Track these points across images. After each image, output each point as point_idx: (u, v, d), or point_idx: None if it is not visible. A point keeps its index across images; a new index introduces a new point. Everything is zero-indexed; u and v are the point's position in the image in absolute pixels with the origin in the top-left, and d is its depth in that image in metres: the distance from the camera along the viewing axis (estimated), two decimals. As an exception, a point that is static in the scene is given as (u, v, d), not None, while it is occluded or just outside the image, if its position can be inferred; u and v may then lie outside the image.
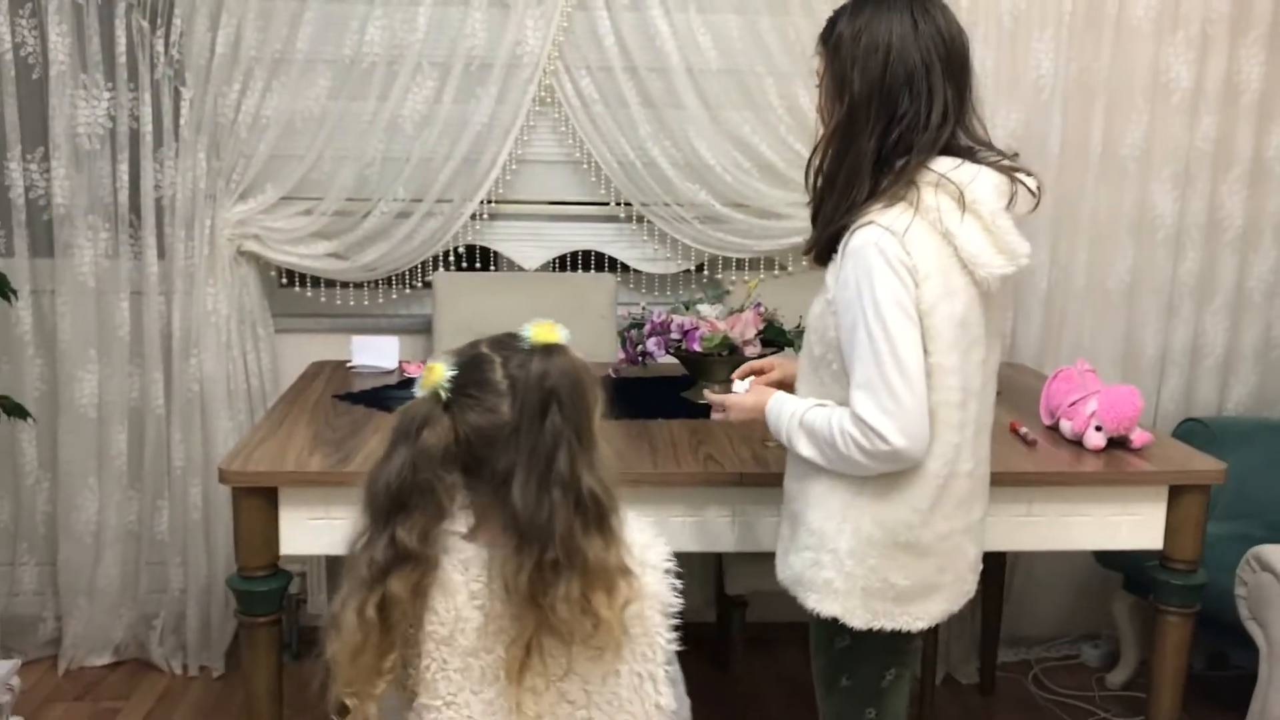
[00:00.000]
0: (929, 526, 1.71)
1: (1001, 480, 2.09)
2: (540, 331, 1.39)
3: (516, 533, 1.34)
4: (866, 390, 1.62)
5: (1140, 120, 3.06)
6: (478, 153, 2.99)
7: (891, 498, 1.69)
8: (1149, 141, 3.08)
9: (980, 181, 1.66)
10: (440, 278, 3.10)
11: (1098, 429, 2.21)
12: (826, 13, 2.85)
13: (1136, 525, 2.18)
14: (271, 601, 2.08)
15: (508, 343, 1.40)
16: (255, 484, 2.04)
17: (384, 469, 1.37)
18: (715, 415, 1.93)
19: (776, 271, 3.19)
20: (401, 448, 1.36)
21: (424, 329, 3.14)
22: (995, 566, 2.90)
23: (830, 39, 1.76)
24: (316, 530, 2.07)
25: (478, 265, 3.24)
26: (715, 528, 2.14)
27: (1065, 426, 2.28)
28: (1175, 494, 2.16)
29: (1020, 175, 1.71)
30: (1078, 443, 2.26)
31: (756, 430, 1.90)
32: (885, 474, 1.67)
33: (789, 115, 3.02)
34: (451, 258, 3.14)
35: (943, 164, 1.66)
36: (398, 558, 1.34)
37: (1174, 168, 3.09)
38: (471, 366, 1.38)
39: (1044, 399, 2.41)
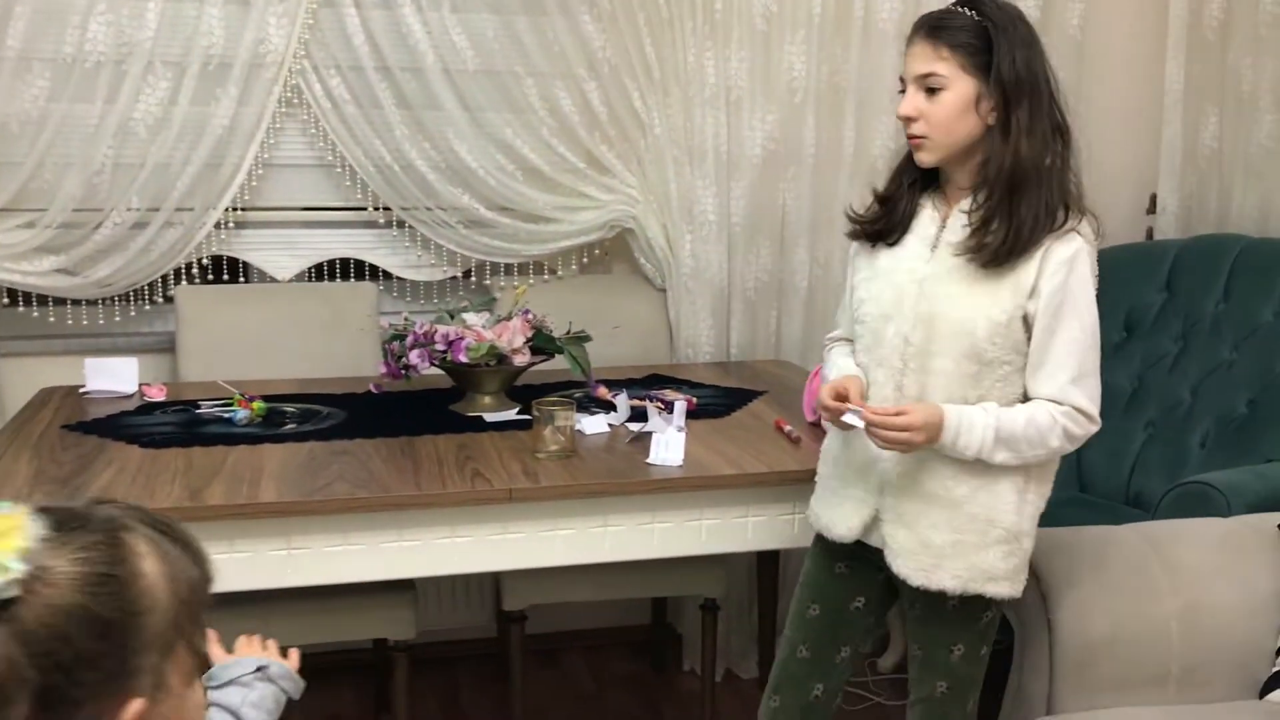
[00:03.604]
0: None
1: (767, 480, 2.12)
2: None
3: None
4: (1079, 383, 1.77)
5: (887, 122, 3.17)
6: (220, 157, 2.80)
7: (1049, 471, 1.89)
8: (897, 142, 3.18)
9: None
10: (183, 291, 2.89)
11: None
12: (583, 12, 2.90)
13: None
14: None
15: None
16: (-36, 532, 1.82)
17: None
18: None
19: (546, 276, 3.13)
20: None
21: (167, 347, 2.92)
22: (769, 561, 2.94)
23: (972, 42, 1.74)
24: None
25: (225, 277, 3.04)
26: (486, 546, 2.06)
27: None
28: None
29: None
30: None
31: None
32: None
33: (551, 117, 2.96)
34: (195, 270, 2.94)
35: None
36: None
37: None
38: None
39: (807, 395, 2.44)
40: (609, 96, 2.97)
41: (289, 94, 2.85)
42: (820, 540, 2.01)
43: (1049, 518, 2.82)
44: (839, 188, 3.15)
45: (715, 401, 2.61)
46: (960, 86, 1.74)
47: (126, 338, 2.95)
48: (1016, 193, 1.72)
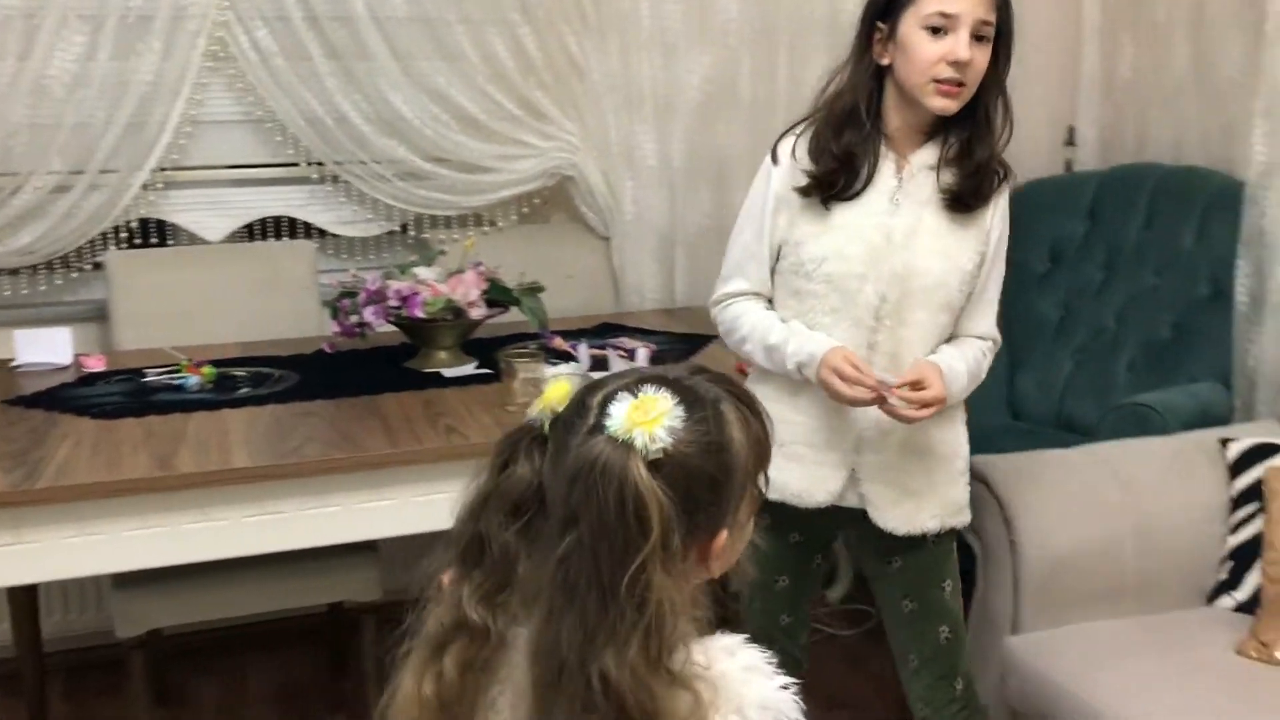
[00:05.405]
0: None
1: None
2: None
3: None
4: (995, 317, 1.89)
5: (820, 62, 3.17)
6: (144, 115, 2.69)
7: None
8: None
9: None
10: (113, 257, 2.78)
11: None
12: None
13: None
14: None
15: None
16: (-76, 515, 1.75)
17: (463, 498, 1.09)
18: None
19: (486, 228, 3.09)
20: (484, 476, 1.09)
21: (99, 316, 2.80)
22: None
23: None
24: (3, 559, 1.81)
25: (154, 241, 2.93)
26: (463, 501, 2.04)
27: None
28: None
29: None
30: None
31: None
32: None
33: (485, 64, 2.91)
34: (124, 234, 2.83)
35: None
36: (456, 625, 1.06)
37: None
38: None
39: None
40: (544, 41, 2.92)
41: (214, 47, 2.75)
42: (771, 514, 2.01)
43: (987, 444, 2.91)
44: (775, 130, 3.14)
45: (672, 348, 2.61)
46: (991, 40, 1.73)
47: (53, 307, 2.82)
48: (999, 139, 1.80)
